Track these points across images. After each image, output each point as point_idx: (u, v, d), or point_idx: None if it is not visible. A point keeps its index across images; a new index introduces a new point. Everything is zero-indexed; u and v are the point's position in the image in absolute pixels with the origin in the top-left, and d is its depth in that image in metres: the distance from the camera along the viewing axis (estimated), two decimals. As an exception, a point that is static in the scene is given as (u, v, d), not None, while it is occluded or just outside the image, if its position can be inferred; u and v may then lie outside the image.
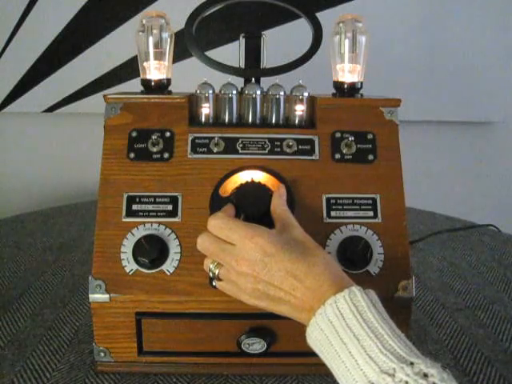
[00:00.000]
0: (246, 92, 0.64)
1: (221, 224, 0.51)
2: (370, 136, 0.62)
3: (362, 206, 0.60)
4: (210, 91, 0.64)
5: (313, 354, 0.61)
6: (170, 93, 0.67)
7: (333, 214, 0.59)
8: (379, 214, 0.59)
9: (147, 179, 0.60)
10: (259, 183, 0.58)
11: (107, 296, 0.56)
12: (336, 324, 0.43)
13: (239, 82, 0.67)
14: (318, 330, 0.45)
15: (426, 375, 0.38)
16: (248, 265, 0.49)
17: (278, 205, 0.55)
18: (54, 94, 1.30)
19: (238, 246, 0.50)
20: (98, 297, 0.56)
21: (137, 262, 0.56)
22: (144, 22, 0.65)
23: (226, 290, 0.53)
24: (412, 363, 0.39)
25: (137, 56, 0.67)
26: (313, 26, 0.69)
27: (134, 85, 0.69)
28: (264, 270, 0.48)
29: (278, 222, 0.53)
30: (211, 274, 0.53)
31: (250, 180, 0.59)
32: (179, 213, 0.59)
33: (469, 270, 0.92)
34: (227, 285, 0.52)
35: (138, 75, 0.67)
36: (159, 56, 0.66)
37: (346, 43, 0.66)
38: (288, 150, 0.62)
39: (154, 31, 0.65)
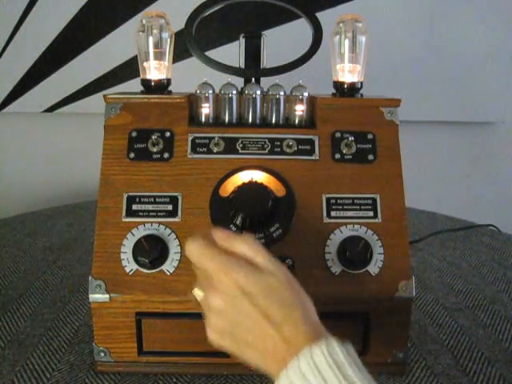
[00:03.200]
0: (246, 92, 0.64)
1: (197, 251, 0.46)
2: (369, 136, 0.62)
3: (362, 206, 0.60)
4: (210, 91, 0.64)
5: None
6: (170, 93, 0.67)
7: (333, 213, 0.59)
8: (379, 214, 0.59)
9: (147, 179, 0.60)
10: (259, 183, 0.58)
11: (107, 296, 0.56)
12: (310, 378, 0.39)
13: (239, 81, 0.67)
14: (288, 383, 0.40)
15: None
16: (220, 299, 0.44)
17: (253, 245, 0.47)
18: (54, 94, 1.30)
19: (215, 278, 0.45)
20: (98, 297, 0.56)
21: (137, 262, 0.56)
22: (144, 21, 0.65)
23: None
24: None
25: (137, 56, 0.67)
26: (313, 26, 0.69)
27: (134, 85, 0.69)
28: (235, 309, 0.44)
29: (258, 256, 0.46)
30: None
31: (249, 180, 0.59)
32: (179, 213, 0.59)
33: (469, 269, 0.92)
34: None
35: (138, 75, 0.67)
36: (159, 56, 0.66)
37: (346, 43, 0.66)
38: (288, 150, 0.62)
39: (154, 31, 0.65)
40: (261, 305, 0.43)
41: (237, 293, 0.44)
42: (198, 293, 0.48)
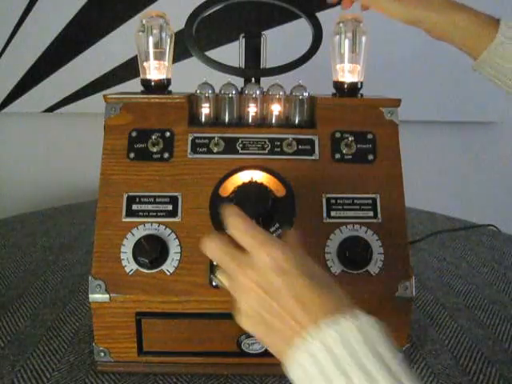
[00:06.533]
0: (246, 92, 0.64)
1: (245, 227, 0.45)
2: (369, 136, 0.62)
3: (362, 206, 0.60)
4: (210, 91, 0.64)
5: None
6: (170, 93, 0.67)
7: (333, 214, 0.59)
8: (379, 214, 0.59)
9: (147, 179, 0.60)
10: (259, 183, 0.58)
11: (107, 296, 0.56)
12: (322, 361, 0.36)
13: (239, 81, 0.67)
14: (298, 364, 0.38)
15: None
16: (257, 276, 0.43)
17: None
18: (54, 94, 1.30)
19: (254, 253, 0.43)
20: (98, 297, 0.56)
21: (137, 262, 0.56)
22: (144, 22, 0.65)
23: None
24: None
25: (137, 56, 0.67)
26: (313, 26, 0.69)
27: (134, 85, 0.69)
28: (269, 285, 0.42)
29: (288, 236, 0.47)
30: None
31: (249, 180, 0.59)
32: (179, 213, 0.59)
33: (469, 269, 0.92)
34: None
35: (138, 75, 0.67)
36: (159, 56, 0.66)
37: (346, 43, 0.66)
38: (288, 150, 0.62)
39: (154, 31, 0.65)
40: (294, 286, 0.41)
41: (272, 268, 0.42)
42: (221, 277, 0.47)
